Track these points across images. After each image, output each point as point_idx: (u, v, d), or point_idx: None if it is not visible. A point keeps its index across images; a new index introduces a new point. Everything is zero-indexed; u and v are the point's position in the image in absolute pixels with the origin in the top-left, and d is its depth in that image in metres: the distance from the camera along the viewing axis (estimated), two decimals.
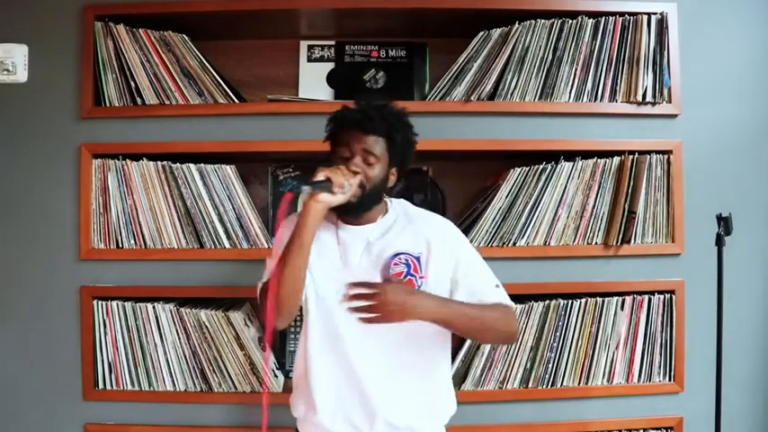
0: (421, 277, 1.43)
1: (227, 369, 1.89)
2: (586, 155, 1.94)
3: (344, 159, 1.42)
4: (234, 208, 1.92)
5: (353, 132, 1.43)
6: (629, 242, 1.93)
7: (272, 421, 1.90)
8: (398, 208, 1.54)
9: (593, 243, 1.95)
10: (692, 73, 1.98)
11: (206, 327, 1.87)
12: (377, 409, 1.41)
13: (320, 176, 1.36)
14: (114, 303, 1.90)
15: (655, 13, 1.95)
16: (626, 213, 1.92)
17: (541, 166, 1.93)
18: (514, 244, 1.93)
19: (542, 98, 1.94)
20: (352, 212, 1.45)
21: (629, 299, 1.94)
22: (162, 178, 1.92)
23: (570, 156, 1.94)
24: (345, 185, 1.37)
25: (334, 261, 1.45)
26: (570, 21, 1.94)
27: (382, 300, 1.32)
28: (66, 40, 1.94)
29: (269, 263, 1.48)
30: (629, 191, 1.92)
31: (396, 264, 1.42)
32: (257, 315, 2.09)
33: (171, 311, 1.89)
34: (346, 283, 1.39)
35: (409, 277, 1.42)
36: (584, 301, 1.93)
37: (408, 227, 1.48)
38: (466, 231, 1.95)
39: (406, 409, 1.43)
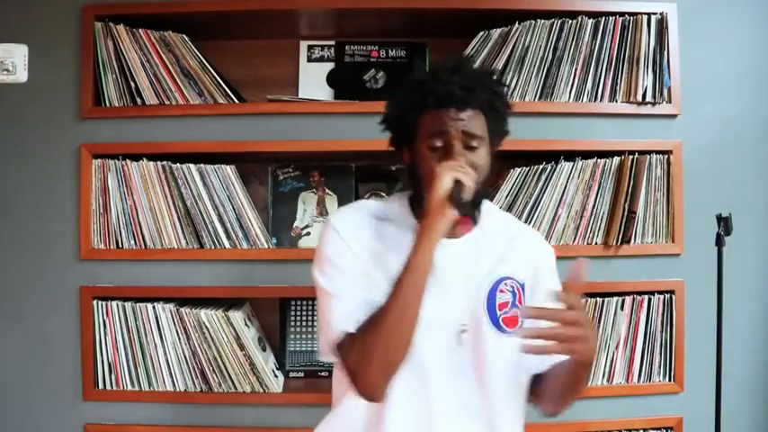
0: (522, 310, 1.15)
1: (227, 369, 1.89)
2: (586, 155, 1.94)
3: (443, 151, 1.08)
4: (234, 208, 1.92)
5: (444, 111, 1.08)
6: (629, 242, 1.93)
7: (272, 421, 1.91)
8: (490, 213, 1.22)
9: (593, 243, 1.95)
10: (692, 73, 1.98)
11: (206, 327, 1.87)
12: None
13: (446, 179, 1.03)
14: (114, 303, 1.90)
15: (655, 14, 1.95)
16: (626, 213, 1.92)
17: (541, 166, 1.93)
18: None
19: (542, 98, 1.94)
20: (471, 218, 1.14)
21: (629, 299, 1.94)
22: (162, 178, 1.92)
23: (570, 156, 1.94)
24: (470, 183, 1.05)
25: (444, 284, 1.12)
26: (570, 21, 1.94)
27: (584, 334, 0.96)
28: (66, 40, 1.93)
29: (337, 303, 1.10)
30: (629, 191, 1.92)
31: (502, 291, 1.14)
32: (257, 315, 2.09)
33: (171, 311, 1.89)
34: (525, 311, 1.09)
35: (514, 310, 1.15)
36: (584, 301, 1.93)
37: (513, 242, 1.19)
38: None
39: None
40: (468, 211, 1.07)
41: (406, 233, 1.11)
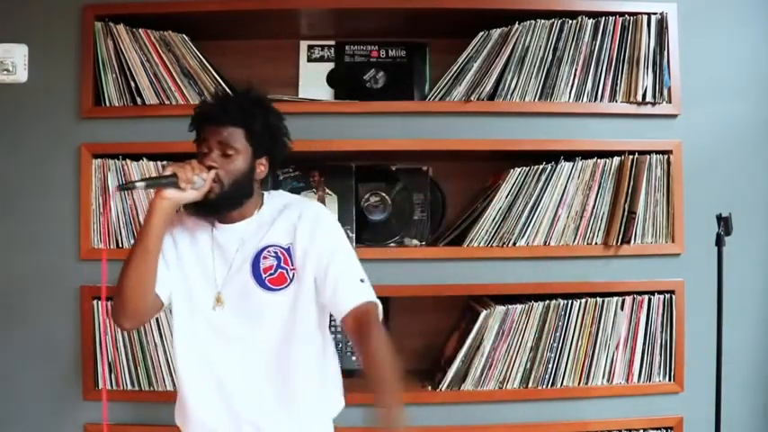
0: (292, 269, 1.37)
1: None
2: (586, 155, 1.94)
3: (204, 155, 1.35)
4: None
5: (209, 126, 1.35)
6: (629, 242, 1.93)
7: None
8: (276, 200, 1.45)
9: (593, 243, 1.95)
10: (691, 73, 1.98)
11: None
12: (244, 416, 1.38)
13: (167, 172, 1.29)
14: None
15: (655, 14, 1.95)
16: (626, 213, 1.92)
17: (541, 166, 1.93)
18: (514, 244, 1.93)
19: (542, 98, 1.94)
20: (213, 209, 1.36)
21: (629, 299, 1.94)
22: None
23: (570, 156, 1.94)
24: (196, 180, 1.29)
25: (207, 263, 1.39)
26: (570, 21, 1.94)
27: None
28: (67, 40, 1.93)
29: None
30: (629, 191, 1.92)
31: (265, 257, 1.37)
32: None
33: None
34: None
35: (280, 270, 1.37)
36: (584, 301, 1.93)
37: (279, 218, 1.41)
38: (466, 231, 1.95)
39: (276, 415, 1.38)
40: (211, 203, 1.35)
41: (203, 224, 1.42)
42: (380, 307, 1.35)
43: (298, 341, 1.38)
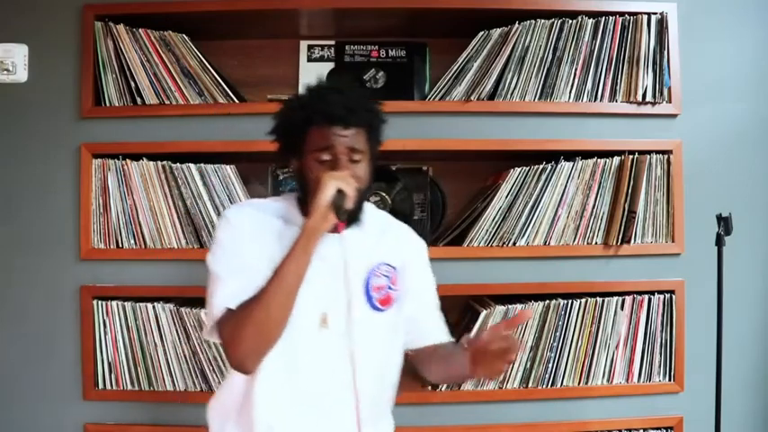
0: (397, 290, 1.33)
1: (227, 369, 1.89)
2: (586, 155, 1.94)
3: (333, 163, 1.22)
4: None
5: (333, 129, 1.21)
6: (629, 242, 1.93)
7: None
8: (367, 211, 1.35)
9: (593, 243, 1.95)
10: (692, 73, 1.98)
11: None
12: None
13: (330, 189, 1.16)
14: (114, 303, 1.90)
15: (655, 13, 1.95)
16: (626, 213, 1.92)
17: (541, 166, 1.93)
18: (514, 244, 1.93)
19: (542, 98, 1.94)
20: (352, 223, 1.26)
21: (629, 299, 1.94)
22: (162, 178, 1.92)
23: (570, 156, 1.94)
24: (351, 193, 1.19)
25: (310, 277, 1.22)
26: (570, 21, 1.94)
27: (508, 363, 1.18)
28: (67, 40, 1.93)
29: (222, 284, 1.21)
30: (629, 191, 1.92)
31: (377, 275, 1.30)
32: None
33: (171, 311, 1.89)
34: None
35: (388, 291, 1.31)
36: (584, 300, 1.93)
37: (386, 235, 1.35)
38: (466, 231, 1.95)
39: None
40: (345, 218, 1.21)
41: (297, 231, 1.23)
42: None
43: (392, 364, 1.36)
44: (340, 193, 1.18)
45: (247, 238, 1.26)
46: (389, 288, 1.31)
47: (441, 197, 2.15)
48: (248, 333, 1.15)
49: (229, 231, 1.27)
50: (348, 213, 1.21)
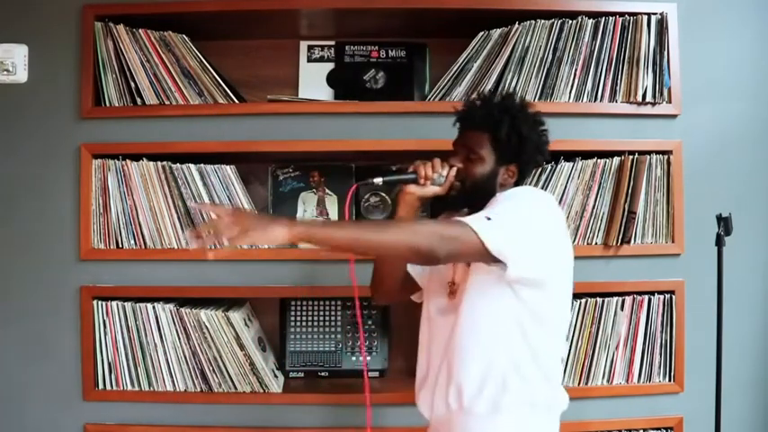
0: None
1: (227, 369, 1.89)
2: (586, 155, 1.94)
3: (451, 154, 1.44)
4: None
5: (462, 128, 1.46)
6: (629, 242, 1.93)
7: (271, 421, 1.92)
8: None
9: (593, 243, 1.95)
10: (692, 73, 1.97)
11: (206, 327, 1.87)
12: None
13: (410, 168, 1.42)
14: (114, 303, 1.90)
15: (655, 14, 1.95)
16: (626, 213, 1.92)
17: (541, 167, 1.93)
18: None
19: (542, 98, 1.94)
20: (452, 206, 1.45)
21: (629, 299, 1.94)
22: (162, 178, 1.92)
23: (570, 156, 1.94)
24: (435, 177, 1.40)
25: None
26: (570, 21, 1.94)
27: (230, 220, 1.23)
28: (67, 40, 1.93)
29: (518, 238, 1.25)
30: (629, 191, 1.92)
31: None
32: (257, 315, 2.10)
33: (171, 311, 1.89)
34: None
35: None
36: (584, 301, 1.93)
37: None
38: None
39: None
40: (452, 200, 1.44)
41: None
42: (484, 234, 1.22)
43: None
44: (413, 173, 1.44)
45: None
46: None
47: None
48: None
49: (558, 215, 1.38)
50: (452, 197, 1.44)
